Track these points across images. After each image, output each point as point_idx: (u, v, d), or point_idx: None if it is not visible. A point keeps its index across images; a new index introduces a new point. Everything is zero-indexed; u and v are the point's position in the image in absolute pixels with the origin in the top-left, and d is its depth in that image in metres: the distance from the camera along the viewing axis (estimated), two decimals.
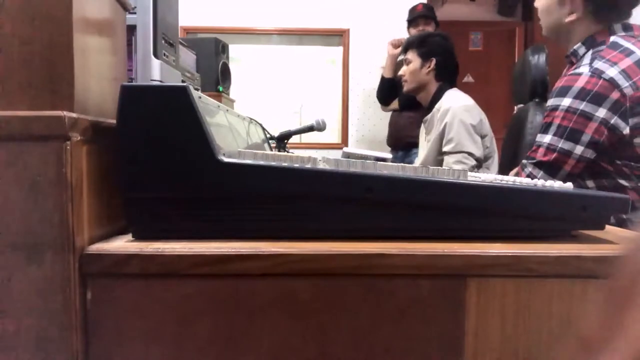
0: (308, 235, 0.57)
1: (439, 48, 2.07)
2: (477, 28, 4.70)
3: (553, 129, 1.14)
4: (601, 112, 1.08)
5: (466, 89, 2.16)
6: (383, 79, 3.08)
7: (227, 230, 0.57)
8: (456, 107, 1.94)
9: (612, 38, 1.17)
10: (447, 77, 2.09)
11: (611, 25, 1.19)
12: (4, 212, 0.49)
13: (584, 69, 1.13)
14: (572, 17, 1.22)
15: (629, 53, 1.12)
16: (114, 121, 0.55)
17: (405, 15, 3.13)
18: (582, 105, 1.10)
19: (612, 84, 1.08)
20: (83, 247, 0.52)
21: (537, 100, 1.85)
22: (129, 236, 0.57)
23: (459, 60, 2.15)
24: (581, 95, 1.10)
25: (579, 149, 1.12)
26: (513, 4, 4.64)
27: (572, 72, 1.15)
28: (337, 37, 4.29)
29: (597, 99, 1.08)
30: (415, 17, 3.02)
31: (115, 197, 0.56)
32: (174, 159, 0.55)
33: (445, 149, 1.94)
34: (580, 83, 1.11)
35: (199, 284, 0.53)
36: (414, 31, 2.97)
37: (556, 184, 0.62)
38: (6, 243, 0.50)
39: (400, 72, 2.15)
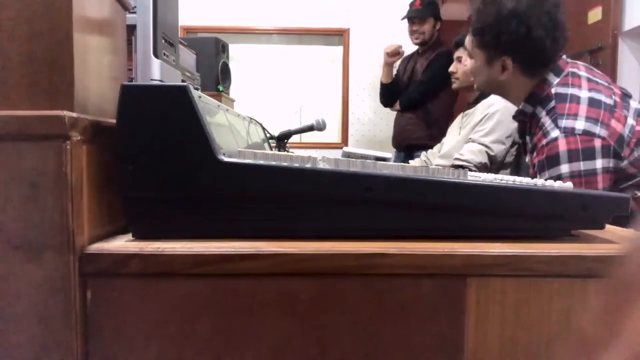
0: (308, 235, 0.57)
1: None
2: None
3: None
4: (599, 163, 1.09)
5: None
6: (382, 85, 3.06)
7: (227, 230, 0.57)
8: (502, 104, 1.89)
9: (553, 90, 1.18)
10: None
11: (544, 78, 1.20)
12: (4, 212, 0.49)
13: (554, 133, 1.13)
14: (506, 75, 1.23)
15: (577, 100, 1.14)
16: (114, 121, 0.55)
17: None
18: (582, 165, 1.09)
19: (587, 134, 1.09)
20: (83, 247, 0.52)
21: None
22: (129, 236, 0.57)
23: None
24: (573, 156, 1.10)
25: None
26: None
27: (543, 142, 1.15)
28: (337, 37, 4.29)
29: (588, 154, 1.09)
30: (409, 17, 2.93)
31: (115, 197, 0.56)
32: (174, 159, 0.55)
33: (472, 135, 1.91)
34: (562, 147, 1.11)
35: (199, 284, 0.53)
36: (411, 27, 2.93)
37: (556, 184, 0.62)
38: (6, 243, 0.50)
39: (451, 69, 2.12)
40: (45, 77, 0.53)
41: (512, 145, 1.91)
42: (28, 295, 0.50)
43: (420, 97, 2.78)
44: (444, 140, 2.19)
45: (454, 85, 2.14)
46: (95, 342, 0.52)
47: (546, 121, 1.17)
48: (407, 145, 2.84)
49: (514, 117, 1.32)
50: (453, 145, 2.02)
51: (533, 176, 1.21)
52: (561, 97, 1.16)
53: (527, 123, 1.27)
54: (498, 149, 1.88)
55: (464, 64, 2.04)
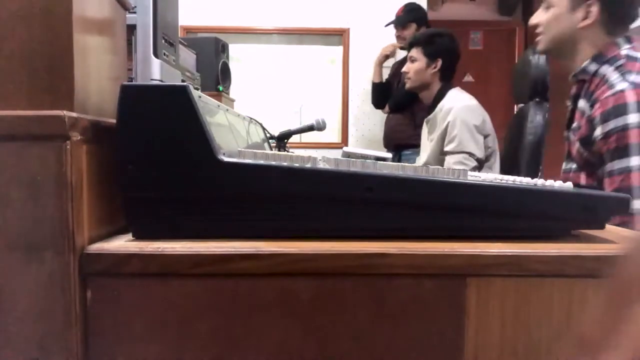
0: (308, 235, 0.57)
1: (446, 49, 2.07)
2: (477, 28, 4.70)
3: (636, 149, 1.09)
4: None
5: (466, 88, 2.16)
6: (373, 85, 3.09)
7: (228, 229, 0.57)
8: (459, 106, 1.94)
9: (624, 52, 1.18)
10: (450, 77, 2.09)
11: (615, 40, 1.20)
12: (4, 212, 0.49)
13: (622, 85, 1.12)
14: (587, 22, 1.22)
15: None
16: (114, 121, 0.55)
17: None
18: None
19: None
20: (83, 246, 0.52)
21: (537, 99, 1.85)
22: (129, 236, 0.57)
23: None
24: None
25: None
26: (513, 3, 4.64)
27: (609, 93, 1.14)
28: (337, 36, 4.29)
29: None
30: (390, 24, 2.98)
31: (115, 197, 0.56)
32: (174, 159, 0.55)
33: (446, 148, 1.94)
34: (631, 98, 1.09)
35: (199, 284, 0.53)
36: (395, 33, 2.98)
37: (556, 184, 0.62)
38: (6, 243, 0.50)
39: (404, 69, 2.15)
40: (45, 77, 0.53)
41: (484, 137, 1.94)
42: (28, 295, 0.50)
43: (405, 100, 2.80)
44: (421, 152, 2.22)
45: (407, 85, 2.16)
46: (95, 342, 0.52)
47: (612, 75, 1.16)
48: (395, 144, 2.88)
49: (573, 77, 1.28)
50: (428, 155, 2.04)
51: (585, 137, 1.19)
52: (632, 58, 1.16)
53: (584, 84, 1.25)
54: (478, 148, 1.91)
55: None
